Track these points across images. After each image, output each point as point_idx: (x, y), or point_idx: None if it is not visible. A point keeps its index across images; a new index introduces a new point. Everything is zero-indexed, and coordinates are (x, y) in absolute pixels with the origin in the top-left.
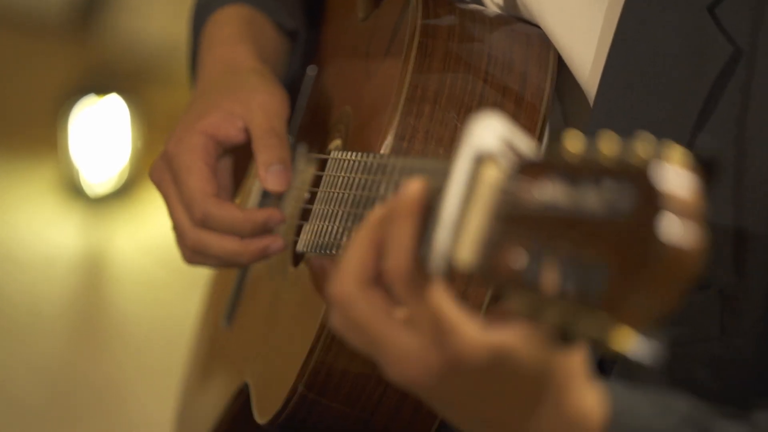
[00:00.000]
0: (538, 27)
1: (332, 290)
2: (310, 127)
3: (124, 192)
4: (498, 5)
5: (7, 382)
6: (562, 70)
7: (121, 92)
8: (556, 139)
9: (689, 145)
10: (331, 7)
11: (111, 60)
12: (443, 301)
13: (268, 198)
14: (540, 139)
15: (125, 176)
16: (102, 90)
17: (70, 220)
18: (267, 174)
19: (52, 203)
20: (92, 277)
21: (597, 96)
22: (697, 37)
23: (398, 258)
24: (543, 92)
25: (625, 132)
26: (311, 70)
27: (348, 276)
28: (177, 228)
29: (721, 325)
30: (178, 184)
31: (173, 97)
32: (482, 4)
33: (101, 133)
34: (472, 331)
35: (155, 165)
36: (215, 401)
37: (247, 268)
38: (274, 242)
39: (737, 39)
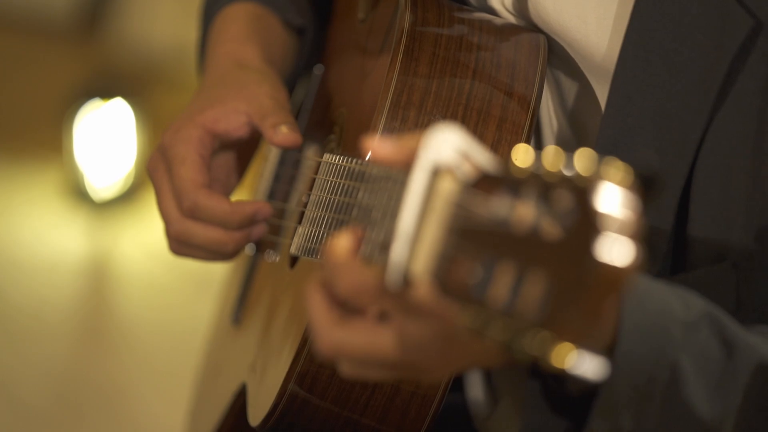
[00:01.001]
0: (528, 28)
1: (322, 350)
2: (315, 128)
3: (129, 196)
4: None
5: (12, 386)
6: (560, 66)
7: (126, 96)
8: (563, 146)
9: (709, 121)
10: (337, 7)
11: (116, 64)
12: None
13: (273, 199)
14: (528, 138)
15: (130, 180)
16: (107, 94)
17: (75, 224)
18: (275, 133)
19: (57, 207)
20: (97, 281)
21: (615, 74)
22: (715, 10)
23: (352, 286)
24: (531, 94)
25: (644, 109)
26: (318, 69)
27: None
28: (164, 218)
29: (736, 299)
30: (171, 174)
31: (178, 101)
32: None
33: (106, 137)
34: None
35: (151, 156)
36: (220, 400)
37: (254, 269)
38: (255, 228)
39: (757, 12)
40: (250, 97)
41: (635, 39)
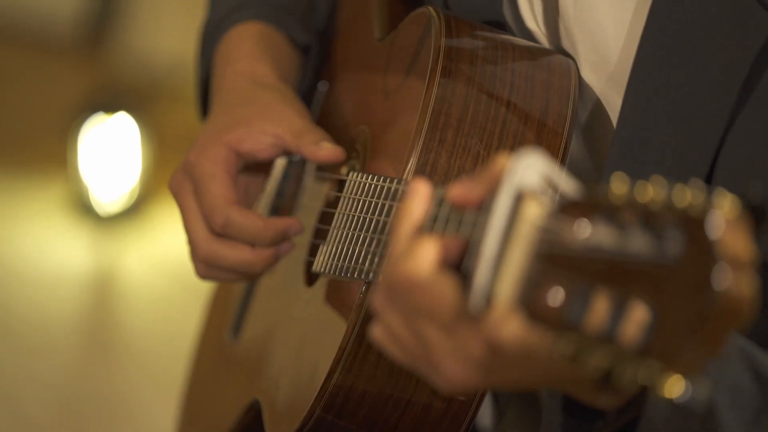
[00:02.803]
0: (557, 52)
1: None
2: None
3: (133, 210)
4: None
5: (16, 398)
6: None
7: (130, 110)
8: (577, 162)
9: (731, 119)
10: (343, 23)
11: (121, 78)
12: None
13: (278, 215)
14: (562, 164)
15: (135, 195)
16: (111, 108)
17: (80, 238)
18: (318, 149)
19: (62, 221)
20: (101, 295)
21: (631, 75)
22: (734, 11)
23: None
24: (565, 118)
25: (661, 110)
26: (322, 86)
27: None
28: (191, 240)
29: (765, 300)
30: (199, 192)
31: (183, 116)
32: (521, 18)
33: (111, 151)
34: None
35: (175, 175)
36: (224, 413)
37: (255, 281)
38: (283, 245)
39: None
40: (277, 117)
41: (652, 39)
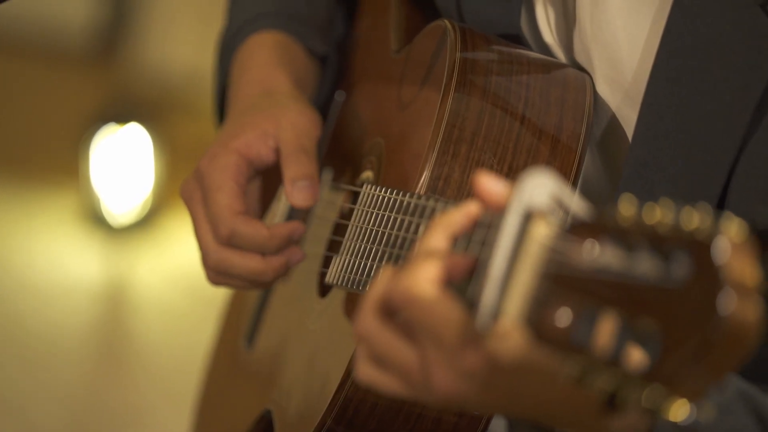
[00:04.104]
0: (573, 67)
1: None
2: (337, 154)
3: (146, 221)
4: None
5: (28, 411)
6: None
7: (142, 121)
8: (593, 178)
9: (744, 141)
10: (361, 34)
11: (132, 89)
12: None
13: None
14: (575, 181)
15: (148, 206)
16: (123, 119)
17: (92, 249)
18: (293, 188)
19: (74, 232)
20: (113, 306)
21: (646, 93)
22: (749, 34)
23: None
24: (579, 134)
25: (675, 129)
26: (339, 96)
27: (368, 310)
28: (201, 247)
29: None
30: (207, 202)
31: (195, 127)
32: (538, 31)
33: (123, 162)
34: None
35: (186, 182)
36: (236, 422)
37: (269, 290)
38: (295, 254)
39: None
40: (276, 120)
41: (666, 58)
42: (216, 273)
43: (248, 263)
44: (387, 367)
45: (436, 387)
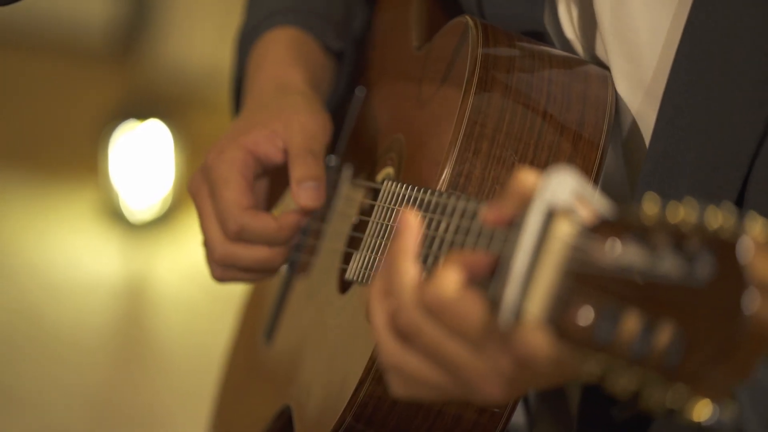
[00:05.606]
0: (593, 63)
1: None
2: (357, 150)
3: (166, 218)
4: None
5: (48, 409)
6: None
7: (161, 117)
8: (613, 175)
9: (764, 134)
10: (381, 30)
11: (152, 85)
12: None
13: (312, 219)
14: (597, 179)
15: (168, 202)
16: (143, 115)
17: (111, 246)
18: (299, 189)
19: (93, 229)
20: (132, 303)
21: (666, 87)
22: None
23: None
24: (601, 130)
25: (695, 123)
26: (360, 91)
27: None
28: (207, 242)
29: None
30: (214, 197)
31: (214, 123)
32: (560, 27)
33: (142, 158)
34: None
35: (194, 177)
36: (255, 417)
37: (288, 285)
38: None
39: None
40: (286, 121)
41: (687, 53)
42: (222, 267)
43: (256, 254)
44: (422, 386)
45: (479, 394)
